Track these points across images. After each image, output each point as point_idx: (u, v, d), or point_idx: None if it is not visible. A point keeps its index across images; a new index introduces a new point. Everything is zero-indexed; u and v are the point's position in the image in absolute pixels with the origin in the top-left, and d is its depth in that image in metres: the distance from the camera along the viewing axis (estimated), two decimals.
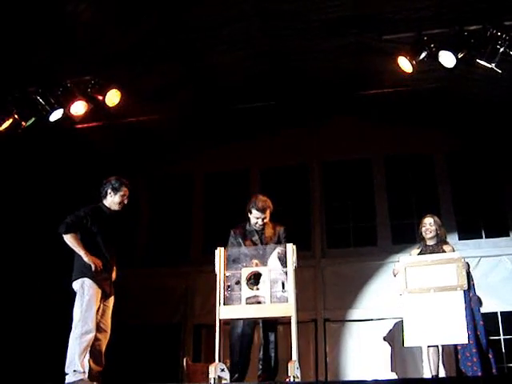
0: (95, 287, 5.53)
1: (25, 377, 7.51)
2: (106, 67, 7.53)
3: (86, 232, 5.65)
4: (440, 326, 5.54)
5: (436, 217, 6.78)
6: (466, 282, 5.65)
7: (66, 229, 5.56)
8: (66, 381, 5.29)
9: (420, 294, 5.70)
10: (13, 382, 7.40)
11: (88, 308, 5.43)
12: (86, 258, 5.51)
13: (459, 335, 5.51)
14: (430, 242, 6.63)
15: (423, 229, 6.66)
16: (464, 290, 5.72)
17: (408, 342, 5.69)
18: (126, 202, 5.92)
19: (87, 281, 5.52)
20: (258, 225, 6.00)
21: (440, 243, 6.63)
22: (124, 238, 6.24)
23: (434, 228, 6.62)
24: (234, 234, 6.07)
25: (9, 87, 7.34)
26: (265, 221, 6.02)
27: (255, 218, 5.99)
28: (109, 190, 5.85)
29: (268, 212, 6.04)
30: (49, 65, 7.36)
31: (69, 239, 5.56)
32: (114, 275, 5.88)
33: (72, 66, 7.45)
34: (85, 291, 5.50)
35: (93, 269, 5.50)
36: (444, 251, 6.49)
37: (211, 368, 4.73)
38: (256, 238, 5.97)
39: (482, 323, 6.02)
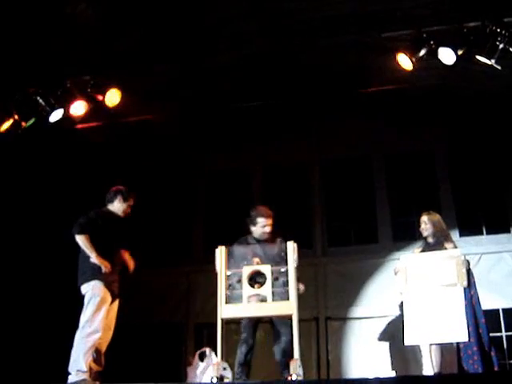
0: (105, 289, 5.57)
1: (28, 376, 7.52)
2: (106, 67, 7.53)
3: (97, 234, 5.69)
4: (440, 324, 5.55)
5: (434, 214, 6.72)
6: (465, 279, 5.65)
7: (79, 229, 5.61)
8: (69, 380, 5.30)
9: (420, 292, 5.71)
10: (16, 382, 7.41)
11: (98, 310, 5.47)
12: (96, 260, 5.55)
13: (459, 333, 5.52)
14: (430, 240, 6.59)
15: (420, 228, 6.67)
16: (465, 288, 5.73)
17: (408, 341, 5.69)
18: (129, 211, 6.03)
19: (98, 283, 5.56)
20: (266, 233, 6.06)
21: (441, 241, 6.58)
22: (127, 238, 6.25)
23: (429, 226, 6.59)
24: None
25: (9, 88, 7.36)
26: (270, 228, 6.10)
27: (263, 225, 6.05)
28: (119, 197, 5.97)
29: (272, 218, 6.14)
30: (48, 65, 7.37)
31: (82, 240, 5.60)
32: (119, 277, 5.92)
33: (72, 66, 7.45)
34: (96, 293, 5.53)
35: (103, 271, 5.54)
36: (445, 249, 6.47)
37: (213, 367, 4.73)
38: (259, 251, 5.99)
39: (484, 321, 6.01)
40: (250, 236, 6.15)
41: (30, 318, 8.29)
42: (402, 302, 6.01)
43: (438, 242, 6.56)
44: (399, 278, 5.95)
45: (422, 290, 5.72)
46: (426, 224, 6.58)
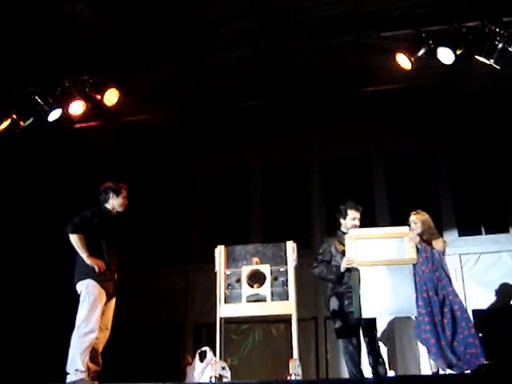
0: (100, 288, 5.55)
1: (26, 376, 7.51)
2: (105, 66, 7.53)
3: (92, 233, 5.68)
4: (389, 299, 5.55)
5: (422, 213, 6.75)
6: (415, 255, 5.71)
7: (73, 229, 5.60)
8: (68, 380, 5.29)
9: (369, 266, 5.68)
10: (14, 382, 7.40)
11: (93, 309, 5.46)
12: (88, 261, 5.54)
13: (408, 308, 5.55)
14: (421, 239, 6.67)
15: (410, 228, 6.71)
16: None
17: (357, 315, 5.56)
18: (126, 203, 6.02)
19: (92, 282, 5.55)
20: (355, 226, 6.15)
21: (430, 239, 6.65)
22: (125, 238, 6.25)
23: (418, 225, 6.64)
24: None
25: (7, 87, 7.34)
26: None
27: (352, 218, 6.17)
28: (110, 194, 5.95)
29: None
30: (47, 65, 7.37)
31: (75, 239, 5.59)
32: (116, 276, 5.91)
33: (70, 65, 7.45)
34: (90, 292, 5.52)
35: (96, 270, 5.53)
36: (432, 247, 6.54)
37: (212, 367, 4.74)
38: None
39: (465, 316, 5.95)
40: (338, 231, 6.26)
41: (28, 317, 8.28)
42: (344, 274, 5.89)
43: (426, 240, 6.64)
44: (348, 252, 5.90)
45: (372, 265, 5.68)
46: (415, 223, 6.64)
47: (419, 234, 6.61)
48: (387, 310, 5.70)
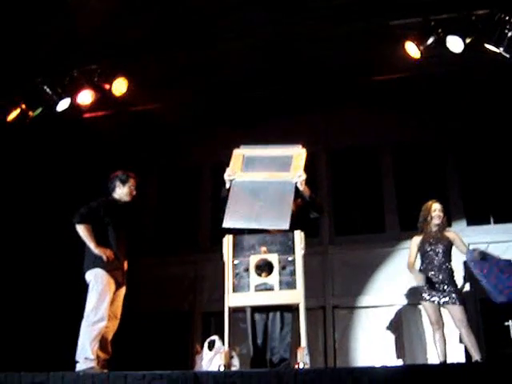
0: (108, 277, 5.61)
1: (36, 365, 7.56)
2: (113, 55, 7.53)
3: (99, 223, 5.73)
4: (263, 211, 5.19)
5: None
6: (301, 172, 5.36)
7: (80, 219, 5.65)
8: (77, 368, 5.35)
9: (252, 179, 5.50)
10: (23, 370, 7.46)
11: (101, 297, 5.51)
12: (95, 250, 5.60)
13: (281, 221, 5.08)
14: (434, 228, 6.72)
15: (434, 214, 6.72)
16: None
17: (226, 223, 5.14)
18: (134, 192, 6.05)
19: (100, 271, 5.60)
20: None
21: (442, 229, 6.74)
22: (133, 227, 6.28)
23: (441, 214, 6.73)
24: None
25: (16, 78, 7.37)
26: None
27: None
28: (117, 183, 6.00)
29: None
30: (55, 55, 7.38)
31: (81, 229, 5.64)
32: (125, 265, 5.96)
33: (79, 55, 7.46)
34: (98, 281, 5.57)
35: (104, 259, 5.58)
36: (447, 238, 6.60)
37: (220, 355, 4.77)
38: None
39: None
40: None
41: (38, 306, 8.34)
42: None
43: (440, 231, 6.71)
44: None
45: (254, 178, 5.48)
46: (440, 212, 6.72)
47: (438, 224, 6.69)
48: (256, 222, 5.14)
